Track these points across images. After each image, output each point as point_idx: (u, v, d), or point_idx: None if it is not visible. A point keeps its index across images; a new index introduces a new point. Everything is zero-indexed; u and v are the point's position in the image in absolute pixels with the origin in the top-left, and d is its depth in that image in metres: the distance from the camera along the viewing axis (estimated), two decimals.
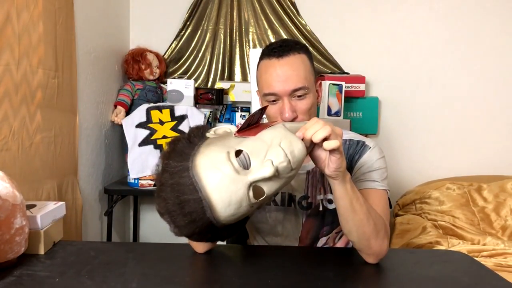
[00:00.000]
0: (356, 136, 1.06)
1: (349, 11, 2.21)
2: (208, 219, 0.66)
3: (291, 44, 0.97)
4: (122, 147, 2.11)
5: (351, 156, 1.02)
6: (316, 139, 0.72)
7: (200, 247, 0.93)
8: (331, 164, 0.75)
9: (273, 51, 0.96)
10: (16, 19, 1.21)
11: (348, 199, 0.81)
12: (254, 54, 1.78)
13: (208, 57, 2.26)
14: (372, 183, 0.96)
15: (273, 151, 0.68)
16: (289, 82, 0.93)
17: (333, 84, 1.91)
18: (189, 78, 2.23)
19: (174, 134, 1.88)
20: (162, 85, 2.18)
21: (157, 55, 2.15)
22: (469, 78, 2.20)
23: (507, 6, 2.15)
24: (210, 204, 0.65)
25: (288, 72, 0.94)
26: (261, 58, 0.99)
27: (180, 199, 0.65)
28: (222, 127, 0.77)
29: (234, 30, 2.25)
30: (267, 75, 0.96)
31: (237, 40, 2.26)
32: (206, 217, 0.65)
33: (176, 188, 0.65)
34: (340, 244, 1.08)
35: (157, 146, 1.86)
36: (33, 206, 0.96)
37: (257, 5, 2.24)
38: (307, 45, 1.22)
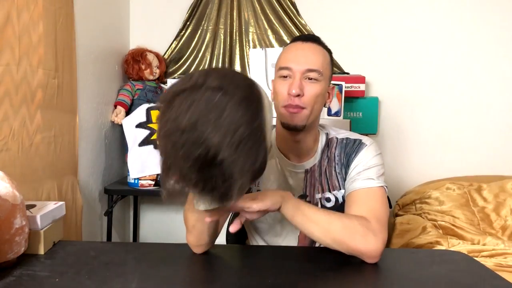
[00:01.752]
0: (352, 135, 1.07)
1: (349, 11, 2.21)
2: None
3: (318, 39, 1.03)
4: (122, 147, 2.11)
5: (348, 154, 1.03)
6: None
7: (198, 248, 0.92)
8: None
9: (300, 37, 1.03)
10: (17, 19, 1.21)
11: (300, 214, 0.85)
12: (254, 54, 1.78)
13: (208, 57, 2.26)
14: (368, 181, 0.96)
15: None
16: (306, 61, 0.96)
17: (333, 84, 1.91)
18: None
19: None
20: (162, 85, 2.18)
21: (157, 55, 2.15)
22: (469, 78, 2.20)
23: (508, 6, 2.15)
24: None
25: (308, 53, 0.98)
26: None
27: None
28: None
29: (234, 30, 2.25)
30: (287, 53, 1.00)
31: (237, 40, 2.26)
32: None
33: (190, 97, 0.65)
34: None
35: (157, 146, 1.86)
36: (33, 206, 0.96)
37: (257, 5, 2.24)
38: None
